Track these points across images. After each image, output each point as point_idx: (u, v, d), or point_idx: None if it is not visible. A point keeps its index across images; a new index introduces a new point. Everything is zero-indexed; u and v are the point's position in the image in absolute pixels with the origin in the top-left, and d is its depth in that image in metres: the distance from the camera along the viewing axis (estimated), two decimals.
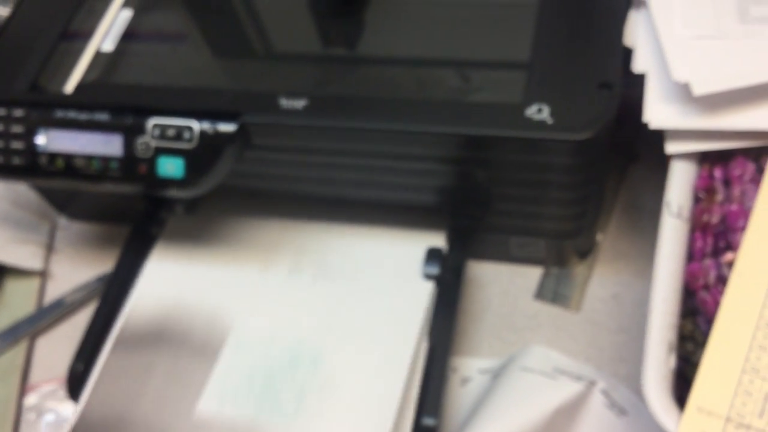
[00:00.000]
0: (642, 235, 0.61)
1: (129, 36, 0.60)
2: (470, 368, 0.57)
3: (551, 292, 0.60)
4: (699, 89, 0.47)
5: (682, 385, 0.46)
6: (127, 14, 0.60)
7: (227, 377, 0.55)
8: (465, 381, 0.57)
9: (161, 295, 0.60)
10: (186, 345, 0.57)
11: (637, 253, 0.60)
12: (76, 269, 0.67)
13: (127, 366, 0.57)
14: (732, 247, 0.47)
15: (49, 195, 0.67)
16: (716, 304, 0.46)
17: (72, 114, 0.54)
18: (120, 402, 0.55)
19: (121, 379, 0.56)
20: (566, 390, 0.52)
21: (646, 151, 0.64)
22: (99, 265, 0.66)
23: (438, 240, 0.60)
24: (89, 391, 0.56)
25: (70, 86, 0.56)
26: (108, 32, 0.59)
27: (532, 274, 0.61)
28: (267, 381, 0.55)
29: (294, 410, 0.53)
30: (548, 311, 0.59)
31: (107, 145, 0.53)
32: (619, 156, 0.64)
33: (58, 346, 0.62)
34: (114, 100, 0.54)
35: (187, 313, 0.59)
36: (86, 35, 0.60)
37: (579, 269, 0.60)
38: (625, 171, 0.64)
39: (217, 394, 0.55)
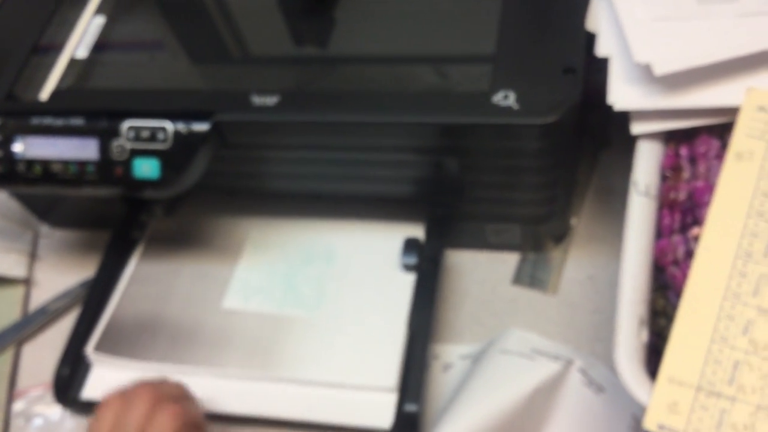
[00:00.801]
0: (615, 218, 0.61)
1: (101, 42, 0.60)
2: (451, 354, 0.58)
3: (528, 277, 0.61)
4: (660, 69, 0.48)
5: (657, 360, 0.47)
6: (100, 21, 0.61)
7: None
8: (447, 367, 0.58)
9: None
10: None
11: (611, 236, 0.61)
12: (59, 276, 0.67)
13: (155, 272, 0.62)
14: (699, 222, 0.49)
15: (30, 203, 0.68)
16: (686, 278, 0.47)
17: (48, 120, 0.55)
18: (150, 302, 0.60)
19: (149, 282, 0.62)
20: (544, 370, 0.53)
21: (617, 137, 0.65)
22: (82, 271, 0.67)
23: (417, 231, 0.61)
24: (120, 294, 0.61)
25: (45, 93, 0.56)
26: (81, 40, 0.60)
27: (509, 260, 0.62)
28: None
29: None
30: (526, 295, 0.60)
31: (83, 149, 0.54)
32: (590, 141, 0.65)
33: (44, 351, 0.63)
34: (88, 105, 0.55)
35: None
36: (59, 45, 0.61)
37: (555, 253, 0.61)
38: (597, 156, 0.65)
39: (241, 292, 0.60)
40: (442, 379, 0.57)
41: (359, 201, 0.62)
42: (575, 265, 0.61)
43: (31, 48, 0.60)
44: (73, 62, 0.59)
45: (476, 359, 0.56)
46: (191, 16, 0.63)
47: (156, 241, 0.64)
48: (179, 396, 0.51)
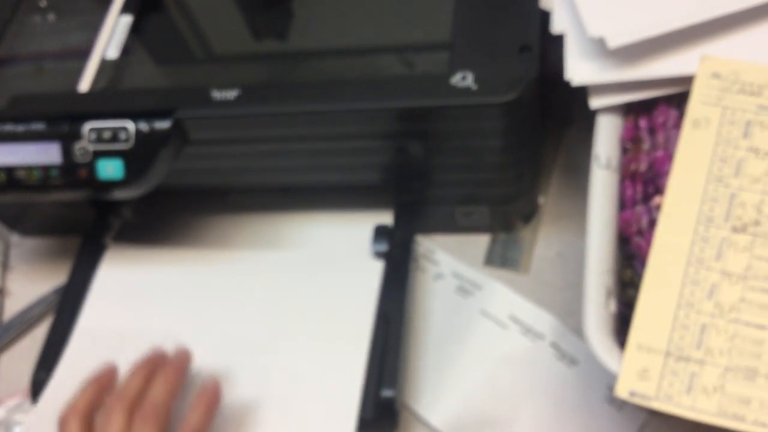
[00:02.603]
0: (582, 195, 0.61)
1: (55, 48, 0.60)
2: (445, 267, 0.60)
3: (500, 257, 0.61)
4: (613, 42, 0.49)
5: (628, 330, 0.47)
6: (127, 20, 0.60)
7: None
8: (438, 277, 0.60)
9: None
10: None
11: (579, 212, 0.61)
12: (32, 284, 0.67)
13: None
14: (661, 191, 0.49)
15: None
16: (650, 247, 0.47)
17: (8, 127, 0.55)
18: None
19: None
20: (513, 343, 0.54)
21: (580, 113, 0.65)
22: (55, 278, 0.66)
23: (388, 218, 0.61)
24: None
25: (84, 85, 0.56)
26: (110, 40, 0.59)
27: (481, 242, 0.62)
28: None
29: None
30: (499, 275, 0.60)
31: (46, 154, 0.54)
32: (554, 120, 0.65)
33: (21, 360, 0.63)
34: (48, 109, 0.55)
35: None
36: (15, 56, 0.60)
37: (524, 233, 0.62)
38: (561, 134, 0.66)
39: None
40: (431, 286, 0.60)
41: (328, 192, 0.62)
42: (545, 242, 0.61)
43: None
44: (104, 63, 0.58)
45: (464, 290, 0.59)
46: (146, 15, 0.62)
47: (125, 243, 0.64)
48: (163, 403, 0.49)
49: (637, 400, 0.42)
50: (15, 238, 0.71)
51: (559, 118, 0.66)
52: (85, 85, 0.55)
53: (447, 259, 0.61)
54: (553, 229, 0.61)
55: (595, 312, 0.46)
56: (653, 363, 0.43)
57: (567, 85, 0.52)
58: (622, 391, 0.42)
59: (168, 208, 0.64)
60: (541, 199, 0.63)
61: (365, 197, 0.61)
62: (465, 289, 0.59)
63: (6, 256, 0.70)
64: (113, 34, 0.58)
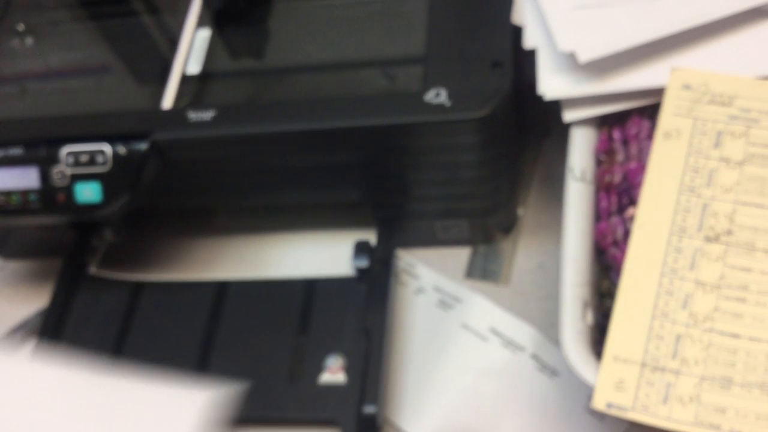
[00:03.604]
0: (561, 206, 0.62)
1: (34, 72, 0.60)
2: (427, 281, 0.61)
3: (480, 270, 0.61)
4: (584, 56, 0.50)
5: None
6: (205, 34, 0.60)
7: None
8: (419, 291, 0.60)
9: None
10: None
11: (558, 223, 0.61)
12: (15, 308, 0.67)
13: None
14: (635, 202, 0.50)
15: None
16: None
17: None
18: None
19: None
20: (493, 355, 0.54)
21: (557, 125, 0.66)
22: (38, 301, 0.66)
23: (369, 235, 0.61)
24: None
25: (167, 102, 0.56)
26: (189, 55, 0.58)
27: (461, 255, 0.63)
28: None
29: None
30: (480, 288, 0.60)
31: (24, 178, 0.54)
32: (532, 132, 0.66)
33: None
34: (25, 133, 0.55)
35: None
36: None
37: (504, 244, 0.62)
38: (539, 146, 0.66)
39: None
40: (412, 300, 0.61)
41: (310, 211, 0.62)
42: (525, 254, 0.61)
43: None
44: (185, 79, 0.58)
45: (445, 303, 0.59)
46: (122, 38, 0.63)
47: (108, 265, 0.64)
48: None
49: (614, 412, 0.42)
50: None
51: (536, 130, 0.66)
52: (168, 102, 0.55)
53: (428, 273, 0.61)
54: (532, 241, 0.62)
55: (571, 324, 0.46)
56: (629, 374, 0.43)
57: (542, 97, 0.52)
58: (599, 402, 0.43)
59: (151, 230, 0.65)
60: (521, 211, 0.63)
61: (346, 215, 0.62)
62: (446, 303, 0.60)
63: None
64: (192, 48, 0.58)
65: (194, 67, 0.58)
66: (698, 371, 0.43)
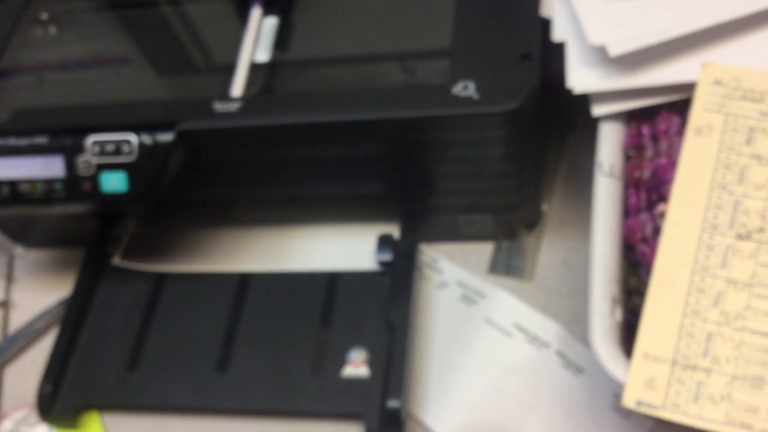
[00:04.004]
0: (585, 201, 0.61)
1: (61, 61, 0.60)
2: (449, 276, 0.61)
3: (504, 265, 0.61)
4: (614, 50, 0.49)
5: (634, 338, 0.47)
6: (273, 22, 0.59)
7: None
8: (442, 286, 0.60)
9: None
10: None
11: (582, 219, 0.61)
12: (37, 296, 0.67)
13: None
14: (664, 198, 0.49)
15: (3, 225, 0.67)
16: (655, 254, 0.47)
17: (11, 141, 0.55)
18: None
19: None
20: (518, 351, 0.54)
21: (582, 120, 0.65)
22: (59, 290, 0.66)
23: (392, 228, 0.61)
24: None
25: (236, 90, 0.55)
26: (257, 43, 0.58)
27: (485, 250, 0.62)
28: None
29: None
30: (503, 283, 0.60)
31: (49, 167, 0.54)
32: (556, 127, 0.65)
33: (27, 372, 0.63)
34: (51, 122, 0.55)
35: None
36: (17, 69, 0.60)
37: (528, 240, 0.62)
38: (564, 141, 0.66)
39: None
40: (435, 295, 0.60)
41: (333, 204, 0.62)
42: (549, 250, 0.61)
43: None
44: (255, 66, 0.57)
45: (469, 298, 0.59)
46: (150, 29, 0.63)
47: (131, 255, 0.64)
48: None
49: (644, 410, 0.42)
50: (19, 251, 0.71)
51: (562, 125, 0.66)
52: (237, 90, 0.55)
53: (451, 268, 0.61)
54: (557, 237, 0.61)
55: (600, 321, 0.46)
56: (660, 372, 0.43)
57: (569, 92, 0.52)
58: (629, 400, 0.42)
59: (173, 220, 0.65)
60: (545, 207, 0.63)
61: (370, 208, 0.61)
62: (469, 298, 0.59)
63: (10, 268, 0.70)
64: (260, 37, 0.58)
65: (263, 56, 0.57)
66: (729, 370, 0.42)
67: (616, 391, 0.52)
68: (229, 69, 0.59)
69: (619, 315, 0.47)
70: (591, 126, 0.54)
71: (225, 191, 0.61)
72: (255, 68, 0.57)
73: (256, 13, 0.59)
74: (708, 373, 0.43)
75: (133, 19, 0.63)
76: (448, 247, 0.63)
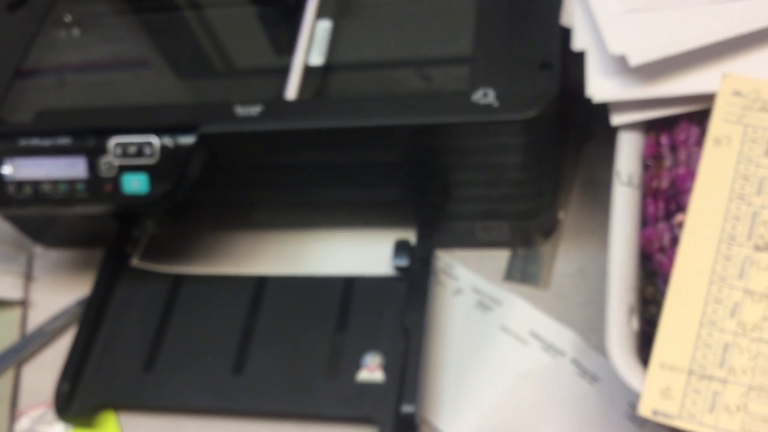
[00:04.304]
0: (602, 210, 0.62)
1: (87, 62, 0.61)
2: (465, 282, 0.61)
3: (520, 273, 0.61)
4: (635, 60, 0.49)
5: (650, 347, 0.47)
6: (326, 25, 0.59)
7: None
8: (457, 292, 0.60)
9: None
10: None
11: (599, 228, 0.62)
12: (55, 296, 0.68)
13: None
14: (683, 208, 0.49)
15: (23, 225, 0.68)
16: (673, 264, 0.47)
17: (35, 141, 0.56)
18: None
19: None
20: (533, 359, 0.54)
21: (600, 129, 0.65)
22: (77, 290, 0.67)
23: (409, 234, 0.61)
24: None
25: (291, 93, 0.55)
26: (311, 46, 0.58)
27: (500, 257, 0.62)
28: None
29: None
30: (518, 291, 0.60)
31: (72, 168, 0.55)
32: (574, 135, 0.66)
33: (44, 371, 0.63)
34: (74, 124, 0.55)
35: None
36: (41, 70, 0.61)
37: (544, 248, 0.62)
38: (581, 150, 0.66)
39: None
40: (450, 301, 0.60)
41: (350, 209, 0.62)
42: (565, 258, 0.61)
43: (12, 73, 0.61)
44: (308, 69, 0.57)
45: (484, 305, 0.59)
46: (173, 33, 0.63)
47: (149, 256, 0.65)
48: None
49: (660, 419, 0.42)
50: (39, 250, 0.72)
51: (579, 134, 0.66)
52: (291, 93, 0.55)
53: (467, 274, 0.61)
54: (573, 245, 0.61)
55: (617, 329, 0.46)
56: (676, 381, 0.43)
57: (587, 100, 0.52)
58: (644, 409, 0.42)
59: (192, 222, 0.65)
60: (561, 215, 0.63)
61: (387, 214, 0.62)
62: (485, 304, 0.60)
63: (30, 267, 0.71)
64: (313, 40, 0.58)
65: (317, 59, 0.57)
66: (746, 380, 0.43)
67: (631, 400, 0.52)
68: (250, 73, 0.60)
69: (635, 324, 0.47)
70: (608, 135, 0.54)
71: (244, 194, 0.61)
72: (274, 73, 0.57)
73: (309, 15, 0.59)
74: (724, 383, 0.43)
75: (155, 23, 0.64)
76: (464, 253, 0.63)
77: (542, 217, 0.60)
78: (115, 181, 0.54)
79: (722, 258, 0.45)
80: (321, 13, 0.60)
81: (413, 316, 0.56)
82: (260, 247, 0.64)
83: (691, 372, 0.43)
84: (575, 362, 0.55)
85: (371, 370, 0.56)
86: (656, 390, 0.43)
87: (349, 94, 0.55)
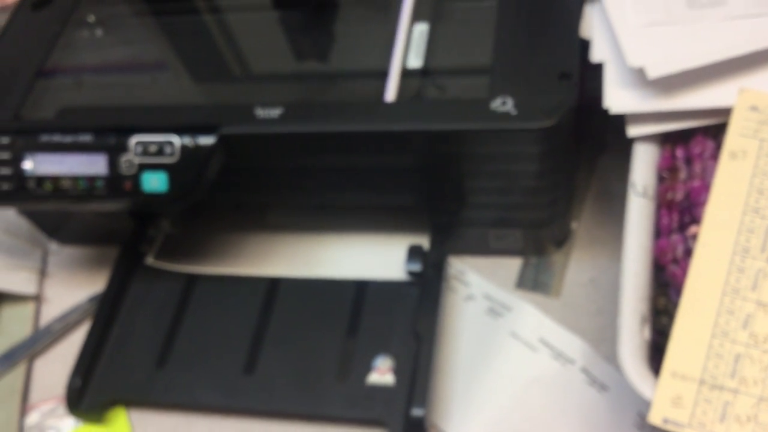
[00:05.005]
0: (615, 221, 0.63)
1: (108, 63, 0.62)
2: (477, 289, 0.61)
3: (531, 281, 0.62)
4: (653, 72, 0.50)
5: (660, 358, 0.47)
6: (424, 28, 0.59)
7: None
8: (468, 298, 0.61)
9: None
10: None
11: (611, 238, 0.62)
12: (69, 292, 0.68)
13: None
14: (696, 220, 0.50)
15: (39, 221, 0.69)
16: (686, 276, 0.48)
17: (57, 138, 0.56)
18: None
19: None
20: (543, 366, 0.54)
21: (614, 141, 0.66)
22: (91, 286, 0.68)
23: (422, 240, 0.62)
24: None
25: (391, 95, 0.55)
26: (408, 48, 0.58)
27: (512, 265, 0.63)
28: None
29: None
30: (530, 299, 0.61)
31: (92, 165, 0.55)
32: (589, 146, 0.66)
33: (56, 366, 0.64)
34: (96, 121, 0.56)
35: None
36: (64, 69, 0.62)
37: (556, 257, 0.62)
38: (595, 161, 0.66)
39: None
40: (462, 307, 0.61)
41: (364, 213, 0.63)
42: (577, 268, 0.62)
43: (36, 71, 0.62)
44: (405, 71, 0.57)
45: (495, 311, 0.60)
46: (194, 35, 0.64)
47: (164, 255, 0.65)
48: None
49: (671, 428, 0.42)
50: (54, 246, 0.72)
51: (594, 145, 0.66)
52: (390, 95, 0.55)
53: (478, 281, 0.62)
54: (585, 255, 0.62)
55: (629, 339, 0.46)
56: (687, 390, 0.43)
57: (602, 112, 0.52)
58: (655, 417, 0.43)
59: (207, 222, 0.66)
60: (574, 225, 0.63)
61: (401, 219, 0.62)
62: (496, 311, 0.60)
63: (44, 263, 0.71)
64: (410, 42, 0.58)
65: (415, 62, 0.58)
66: (757, 391, 0.43)
67: (640, 409, 0.53)
68: (269, 77, 0.61)
69: (647, 333, 0.47)
70: (622, 146, 0.55)
71: (260, 196, 0.62)
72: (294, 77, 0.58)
73: (405, 18, 0.59)
74: (735, 393, 0.43)
75: (178, 26, 0.65)
76: (477, 260, 0.63)
77: (555, 227, 0.60)
78: (135, 179, 0.54)
79: (736, 270, 0.46)
80: (416, 17, 0.60)
81: (425, 321, 0.57)
82: (274, 248, 0.65)
83: (702, 382, 0.43)
84: (584, 371, 0.55)
85: (382, 373, 0.56)
86: (667, 398, 0.43)
87: (369, 99, 0.55)
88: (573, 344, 0.57)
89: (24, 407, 0.62)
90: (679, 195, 0.51)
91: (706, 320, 0.45)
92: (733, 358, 0.44)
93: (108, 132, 0.55)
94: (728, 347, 0.44)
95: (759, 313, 0.45)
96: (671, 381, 0.44)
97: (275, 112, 0.54)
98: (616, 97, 0.52)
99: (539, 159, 0.53)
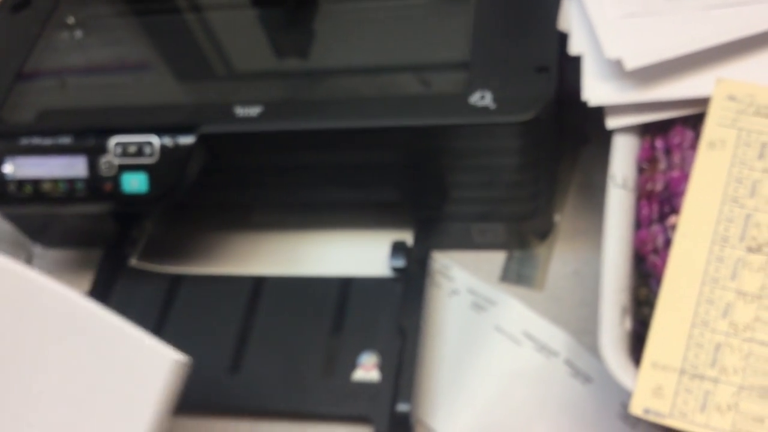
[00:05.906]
0: (597, 213, 0.62)
1: (87, 64, 0.62)
2: (461, 284, 0.61)
3: (515, 274, 0.62)
4: (630, 64, 0.50)
5: (642, 348, 0.48)
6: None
7: None
8: (453, 293, 0.61)
9: None
10: None
11: (594, 230, 0.62)
12: None
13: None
14: (676, 211, 0.50)
15: (22, 224, 0.68)
16: (666, 265, 0.48)
17: (36, 140, 0.56)
18: None
19: None
20: (527, 359, 0.55)
21: (595, 133, 0.66)
22: (76, 289, 0.67)
23: (405, 235, 0.62)
24: None
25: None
26: None
27: (496, 259, 0.63)
28: None
29: None
30: (514, 292, 0.61)
31: (72, 167, 0.55)
32: (570, 139, 0.66)
33: None
34: (75, 123, 0.56)
35: None
36: (43, 71, 0.62)
37: (540, 250, 0.62)
38: (577, 153, 0.67)
39: None
40: (446, 302, 0.61)
41: (347, 209, 0.63)
42: (560, 260, 0.62)
43: (15, 74, 0.61)
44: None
45: (478, 305, 0.60)
46: (173, 33, 0.64)
47: (148, 256, 0.65)
48: None
49: (652, 418, 0.43)
50: (38, 249, 0.72)
51: (575, 137, 0.67)
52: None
53: (462, 275, 0.62)
54: (568, 247, 0.62)
55: (610, 330, 0.46)
56: (668, 381, 0.44)
57: (583, 104, 0.53)
58: (636, 408, 0.43)
59: (190, 223, 0.66)
60: (557, 217, 0.63)
61: (384, 215, 0.62)
62: (479, 305, 0.60)
63: (28, 266, 0.71)
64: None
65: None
66: (737, 380, 0.43)
67: (624, 400, 0.53)
68: (249, 76, 0.61)
69: (628, 324, 0.48)
70: (603, 138, 0.55)
71: (242, 194, 0.62)
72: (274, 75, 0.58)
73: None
74: (715, 382, 0.43)
75: (157, 26, 0.65)
76: (460, 255, 0.63)
77: (538, 220, 0.61)
78: (115, 181, 0.54)
79: (715, 259, 0.46)
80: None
81: (409, 317, 0.57)
82: (258, 247, 0.65)
83: (682, 371, 0.44)
84: (568, 363, 0.55)
85: (367, 370, 0.56)
86: (648, 389, 0.43)
87: (347, 97, 0.56)
88: (557, 337, 0.57)
89: None
90: (659, 185, 0.51)
91: (685, 310, 0.45)
92: (714, 347, 0.44)
93: (87, 133, 0.55)
94: (708, 336, 0.44)
95: (738, 303, 0.45)
96: (652, 371, 0.44)
97: (255, 111, 0.54)
98: (595, 89, 0.52)
99: (519, 152, 0.53)
